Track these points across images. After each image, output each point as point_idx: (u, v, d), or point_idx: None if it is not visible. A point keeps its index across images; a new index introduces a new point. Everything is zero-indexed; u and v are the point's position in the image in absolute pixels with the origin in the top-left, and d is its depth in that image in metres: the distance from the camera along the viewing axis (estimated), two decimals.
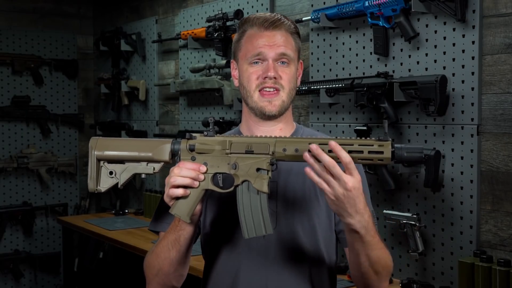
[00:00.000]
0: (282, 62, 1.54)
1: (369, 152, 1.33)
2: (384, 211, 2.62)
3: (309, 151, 1.31)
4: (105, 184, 1.43)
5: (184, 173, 1.37)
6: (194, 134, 1.42)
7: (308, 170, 1.31)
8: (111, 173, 1.43)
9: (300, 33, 1.62)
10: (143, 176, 1.45)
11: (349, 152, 1.32)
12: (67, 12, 5.16)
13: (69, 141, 5.11)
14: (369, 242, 1.38)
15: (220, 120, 3.56)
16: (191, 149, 1.41)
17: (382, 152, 1.33)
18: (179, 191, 1.37)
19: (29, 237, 4.89)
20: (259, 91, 1.53)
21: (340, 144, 1.31)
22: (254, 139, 1.40)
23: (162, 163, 1.43)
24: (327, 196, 1.32)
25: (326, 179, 1.29)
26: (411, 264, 2.61)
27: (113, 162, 1.43)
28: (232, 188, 1.41)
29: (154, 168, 1.43)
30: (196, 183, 1.38)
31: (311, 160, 1.30)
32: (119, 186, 1.44)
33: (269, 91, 1.53)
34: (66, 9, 5.16)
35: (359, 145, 1.33)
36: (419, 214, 2.51)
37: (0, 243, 4.78)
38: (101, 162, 1.43)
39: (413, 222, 2.49)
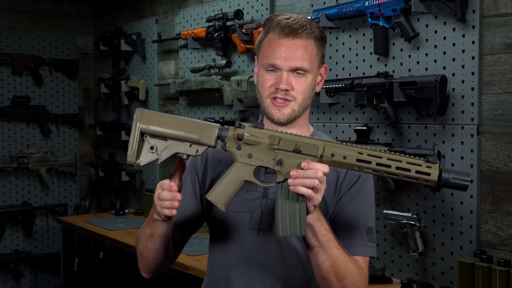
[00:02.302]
0: (298, 73, 1.52)
1: (416, 172, 1.32)
2: (384, 211, 2.62)
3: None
4: (145, 158, 1.40)
5: (165, 196, 1.40)
6: (243, 123, 1.39)
7: (297, 188, 1.32)
8: (152, 148, 1.39)
9: (326, 38, 1.59)
10: (184, 156, 1.42)
11: (396, 168, 1.32)
12: (67, 12, 5.16)
13: (69, 141, 5.11)
14: (324, 236, 1.40)
15: (220, 120, 3.57)
16: (239, 138, 1.38)
17: (429, 174, 1.32)
18: (166, 212, 1.41)
19: (29, 237, 4.89)
20: (271, 98, 1.54)
21: (388, 159, 1.33)
22: (304, 139, 1.38)
23: (206, 147, 1.40)
24: (311, 204, 1.34)
25: (314, 186, 1.31)
26: (411, 264, 2.61)
27: (156, 137, 1.40)
28: (273, 184, 1.40)
29: (197, 151, 1.40)
30: (176, 204, 1.39)
31: (297, 177, 1.33)
32: (158, 163, 1.42)
33: (280, 101, 1.53)
34: (66, 9, 5.16)
35: (407, 162, 1.33)
36: (419, 214, 2.51)
37: (0, 243, 4.78)
38: (144, 136, 1.40)
39: (413, 222, 2.49)
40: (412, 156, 1.34)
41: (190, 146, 1.39)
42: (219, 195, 1.39)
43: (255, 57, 1.64)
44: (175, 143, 1.40)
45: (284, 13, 1.60)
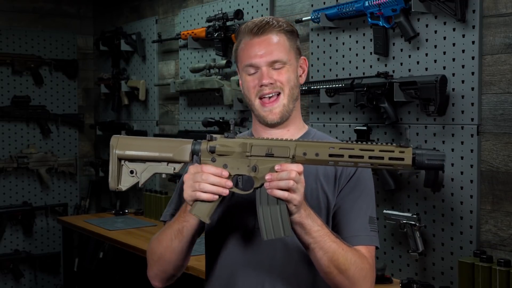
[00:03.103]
0: (276, 67, 1.55)
1: (390, 158, 1.33)
2: (384, 211, 2.62)
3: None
4: (126, 183, 1.44)
5: (213, 180, 1.37)
6: (214, 136, 1.42)
7: (273, 191, 1.34)
8: (132, 172, 1.44)
9: (296, 31, 1.62)
10: (163, 176, 1.47)
11: (370, 157, 1.33)
12: (67, 12, 5.16)
13: (69, 141, 5.11)
14: (318, 231, 1.40)
15: (220, 120, 3.57)
16: (212, 151, 1.40)
17: (402, 159, 1.33)
18: (208, 196, 1.37)
19: (29, 237, 4.89)
20: (260, 99, 1.55)
21: (361, 149, 1.34)
22: (275, 142, 1.40)
23: (182, 164, 1.44)
24: (292, 205, 1.34)
25: (290, 187, 1.32)
26: (411, 264, 2.61)
27: (134, 161, 1.44)
28: (251, 190, 1.41)
29: (174, 168, 1.44)
30: (226, 191, 1.38)
31: (272, 181, 1.34)
32: (139, 185, 1.45)
33: (269, 98, 1.55)
34: (66, 9, 5.16)
35: (380, 151, 1.34)
36: (419, 214, 2.51)
37: (0, 243, 4.78)
38: (122, 161, 1.44)
39: (413, 222, 2.49)
40: (384, 144, 1.36)
41: (167, 165, 1.43)
42: (201, 209, 1.39)
43: (236, 68, 1.66)
44: (153, 164, 1.44)
45: (250, 20, 1.63)
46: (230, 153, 1.40)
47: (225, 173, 1.38)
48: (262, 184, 1.38)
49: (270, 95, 1.54)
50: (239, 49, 1.60)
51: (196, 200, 1.39)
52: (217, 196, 1.37)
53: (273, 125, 1.57)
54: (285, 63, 1.55)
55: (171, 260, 1.55)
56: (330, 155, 1.36)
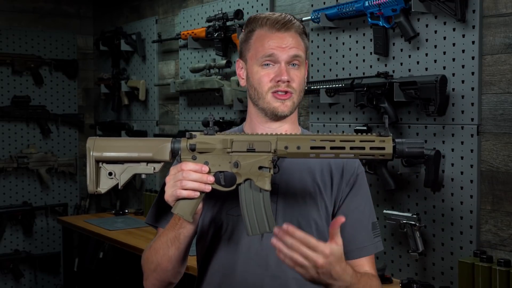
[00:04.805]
0: (293, 64, 1.53)
1: (371, 148, 1.34)
2: (384, 211, 2.62)
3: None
4: (104, 185, 1.41)
5: (193, 177, 1.35)
6: (194, 133, 1.41)
7: (281, 256, 1.29)
8: (110, 174, 1.40)
9: (306, 33, 1.62)
10: (143, 176, 1.44)
11: (351, 148, 1.34)
12: (67, 12, 5.16)
13: (69, 141, 5.11)
14: (351, 282, 1.35)
15: (220, 120, 3.57)
16: (192, 149, 1.39)
17: (383, 148, 1.34)
18: (189, 193, 1.35)
19: (29, 237, 4.89)
20: (272, 93, 1.53)
21: (341, 141, 1.34)
22: (256, 137, 1.39)
23: (162, 163, 1.41)
24: (303, 276, 1.30)
25: (299, 263, 1.27)
26: (411, 264, 2.61)
27: (112, 162, 1.41)
28: (234, 187, 1.40)
29: (154, 168, 1.41)
30: (208, 187, 1.36)
31: (277, 244, 1.29)
32: (119, 187, 1.42)
33: (282, 94, 1.53)
34: (66, 9, 5.16)
35: (360, 141, 1.34)
36: (419, 214, 2.51)
37: (0, 243, 4.78)
38: (100, 163, 1.40)
39: (413, 222, 2.49)
40: (365, 134, 1.36)
41: (147, 165, 1.41)
42: (183, 208, 1.38)
43: (238, 60, 1.62)
44: (132, 165, 1.41)
45: (264, 13, 1.60)
46: (211, 150, 1.39)
47: (205, 168, 1.36)
48: (245, 180, 1.38)
49: (283, 92, 1.52)
50: (252, 40, 1.55)
51: (178, 199, 1.37)
52: (198, 193, 1.36)
53: (282, 117, 1.55)
54: (301, 62, 1.54)
55: (169, 269, 1.51)
56: (312, 148, 1.36)
